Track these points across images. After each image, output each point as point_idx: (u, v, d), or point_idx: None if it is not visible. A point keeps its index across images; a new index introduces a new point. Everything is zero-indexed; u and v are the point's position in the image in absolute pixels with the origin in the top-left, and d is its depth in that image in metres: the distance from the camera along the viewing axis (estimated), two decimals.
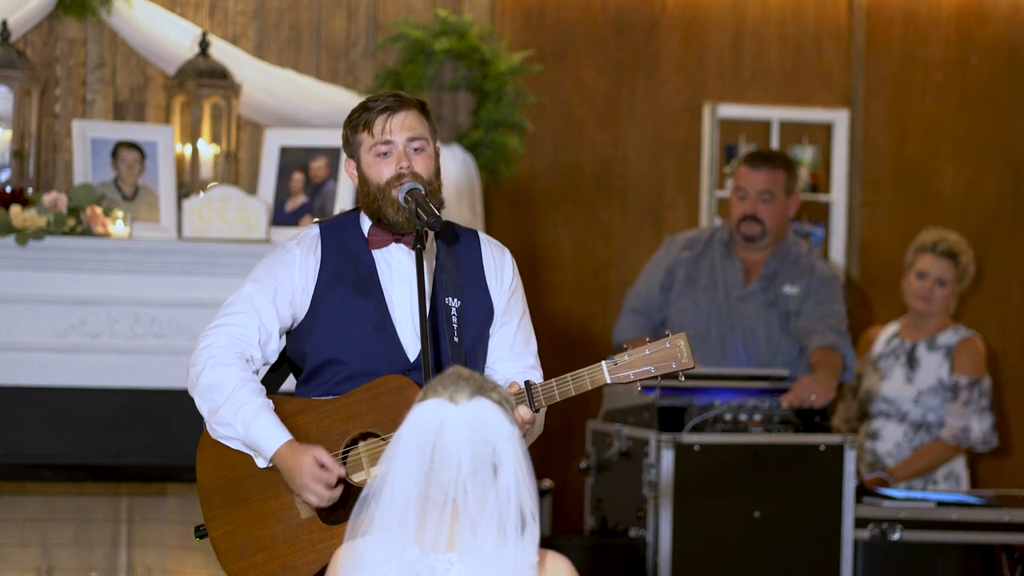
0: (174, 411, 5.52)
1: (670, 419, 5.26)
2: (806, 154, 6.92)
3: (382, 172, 3.72)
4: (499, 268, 3.83)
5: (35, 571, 5.84)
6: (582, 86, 6.68)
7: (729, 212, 5.95)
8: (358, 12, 6.11)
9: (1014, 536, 5.43)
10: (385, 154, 3.72)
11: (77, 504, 5.87)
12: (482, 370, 3.79)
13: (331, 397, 3.72)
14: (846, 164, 6.92)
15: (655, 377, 3.69)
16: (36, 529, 5.86)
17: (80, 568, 5.86)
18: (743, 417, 5.31)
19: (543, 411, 3.73)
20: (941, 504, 5.45)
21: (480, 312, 3.79)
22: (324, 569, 3.60)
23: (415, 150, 3.73)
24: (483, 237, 3.87)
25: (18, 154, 5.60)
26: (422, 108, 3.76)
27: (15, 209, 5.41)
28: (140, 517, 5.90)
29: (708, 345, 5.74)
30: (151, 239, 5.61)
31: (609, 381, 3.67)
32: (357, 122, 3.75)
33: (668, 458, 5.16)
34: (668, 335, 3.71)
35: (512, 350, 3.82)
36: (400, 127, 3.71)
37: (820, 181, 6.94)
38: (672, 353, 3.69)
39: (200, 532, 3.79)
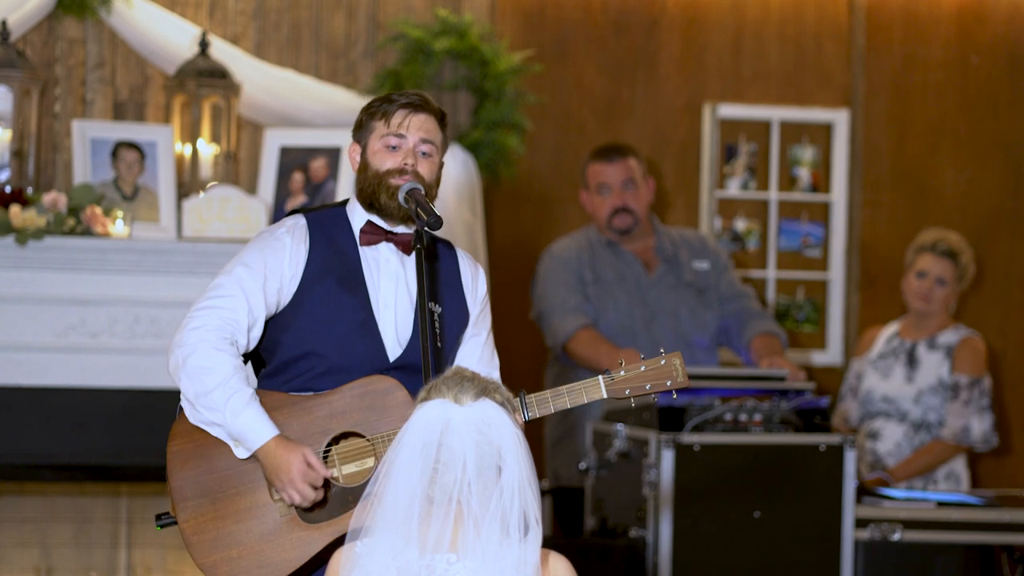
0: (174, 411, 5.50)
1: (670, 419, 5.26)
2: (806, 154, 6.92)
3: (385, 161, 3.73)
4: (474, 280, 3.87)
5: (35, 571, 5.84)
6: (582, 86, 6.67)
7: (592, 212, 5.91)
8: (358, 12, 6.10)
9: (1014, 536, 5.43)
10: (394, 147, 3.73)
11: (77, 504, 5.86)
12: None
13: (311, 393, 3.72)
14: (846, 164, 6.92)
15: (650, 393, 3.71)
16: (36, 529, 5.85)
17: (80, 568, 5.85)
18: (743, 417, 5.31)
19: None
20: (941, 504, 5.44)
21: (457, 319, 3.81)
22: (303, 567, 3.61)
23: (424, 153, 3.74)
24: (459, 250, 3.89)
25: (18, 154, 5.60)
26: (441, 119, 3.79)
27: (15, 209, 5.41)
28: (140, 517, 5.90)
29: (636, 337, 5.75)
30: (151, 239, 5.61)
31: (606, 396, 3.69)
32: (376, 110, 3.76)
33: (668, 458, 5.16)
34: (663, 353, 3.75)
35: (480, 362, 3.84)
36: (418, 127, 3.73)
37: (820, 181, 6.94)
38: (667, 371, 3.74)
39: (162, 520, 3.74)
